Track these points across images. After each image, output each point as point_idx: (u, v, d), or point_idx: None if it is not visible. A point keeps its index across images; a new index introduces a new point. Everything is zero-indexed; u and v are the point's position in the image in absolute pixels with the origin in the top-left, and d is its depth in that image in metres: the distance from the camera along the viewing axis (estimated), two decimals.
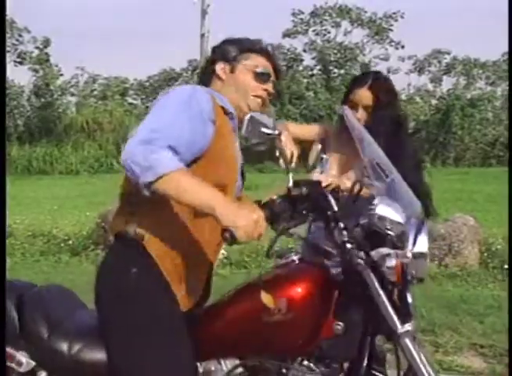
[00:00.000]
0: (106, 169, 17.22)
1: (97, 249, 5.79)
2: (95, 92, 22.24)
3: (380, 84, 2.39)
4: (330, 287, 1.53)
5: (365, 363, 1.53)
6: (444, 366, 3.12)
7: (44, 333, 1.58)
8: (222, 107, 1.70)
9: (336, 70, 21.44)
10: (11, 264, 5.35)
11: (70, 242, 6.07)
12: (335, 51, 21.40)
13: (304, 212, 1.52)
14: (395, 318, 1.46)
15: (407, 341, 1.45)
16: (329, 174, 2.37)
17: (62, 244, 6.06)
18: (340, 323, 1.52)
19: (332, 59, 21.21)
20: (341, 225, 1.51)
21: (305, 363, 1.54)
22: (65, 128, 19.23)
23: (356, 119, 2.16)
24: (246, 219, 1.43)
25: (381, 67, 22.21)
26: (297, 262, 1.61)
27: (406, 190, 1.58)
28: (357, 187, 1.60)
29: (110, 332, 1.58)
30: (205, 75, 1.87)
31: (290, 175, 1.55)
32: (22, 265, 5.48)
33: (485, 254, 5.13)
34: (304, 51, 21.89)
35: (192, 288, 1.64)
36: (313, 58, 21.74)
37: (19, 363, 1.59)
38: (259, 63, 1.83)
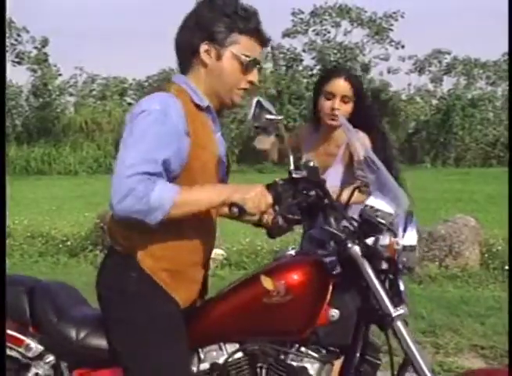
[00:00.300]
0: (105, 170, 17.22)
1: (95, 250, 5.79)
2: (94, 92, 22.24)
3: (356, 77, 2.53)
4: (326, 276, 1.61)
5: (359, 350, 1.60)
6: (444, 368, 3.12)
7: (53, 320, 1.70)
8: (197, 104, 1.65)
9: None
10: (9, 265, 5.35)
11: (69, 243, 6.07)
12: (335, 51, 21.41)
13: (304, 192, 1.58)
14: (388, 302, 1.54)
15: (399, 324, 1.54)
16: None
17: (60, 245, 6.06)
18: (336, 310, 1.59)
19: (332, 59, 21.22)
20: (337, 212, 1.60)
21: (303, 349, 1.62)
22: (63, 129, 19.25)
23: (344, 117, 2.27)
24: (252, 191, 1.53)
25: (381, 67, 22.35)
26: (293, 255, 1.72)
27: (394, 184, 1.63)
28: (347, 193, 1.71)
29: (112, 329, 1.66)
30: (185, 53, 1.70)
31: (291, 159, 1.59)
32: (20, 266, 5.49)
33: (486, 255, 5.13)
34: (304, 51, 21.90)
35: (188, 289, 1.71)
36: (313, 58, 21.76)
37: (29, 348, 1.71)
38: (248, 48, 1.68)
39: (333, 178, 2.35)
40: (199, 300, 1.75)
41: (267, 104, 1.63)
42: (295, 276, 1.59)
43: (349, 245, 1.56)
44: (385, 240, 1.56)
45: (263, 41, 1.71)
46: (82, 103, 21.10)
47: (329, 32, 22.08)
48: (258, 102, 1.61)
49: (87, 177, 15.98)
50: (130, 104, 22.66)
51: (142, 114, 1.56)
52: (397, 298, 1.56)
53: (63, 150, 18.12)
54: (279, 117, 1.63)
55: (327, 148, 2.50)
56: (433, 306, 4.04)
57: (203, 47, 1.66)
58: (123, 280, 1.64)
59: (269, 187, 1.56)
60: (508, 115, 18.31)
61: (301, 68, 21.65)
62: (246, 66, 1.69)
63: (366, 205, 1.56)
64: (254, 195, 1.53)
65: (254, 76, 1.72)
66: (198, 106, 1.66)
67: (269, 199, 1.53)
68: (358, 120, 2.34)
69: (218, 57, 1.67)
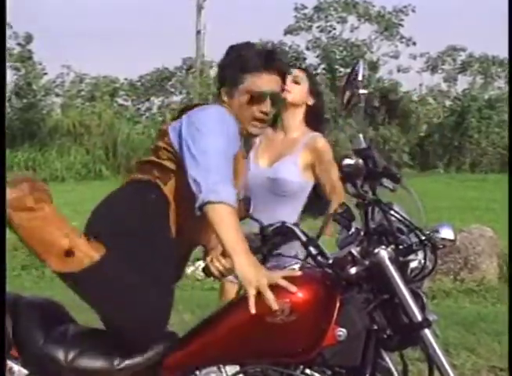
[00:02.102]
0: (94, 176, 17.24)
1: None
2: (83, 93, 22.29)
3: (308, 68, 2.83)
4: (333, 293, 1.63)
5: (368, 372, 1.61)
6: None
7: (39, 340, 1.67)
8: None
9: (342, 70, 21.49)
10: None
11: None
12: (341, 48, 21.48)
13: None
14: (416, 309, 1.59)
15: (427, 331, 1.58)
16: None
17: None
18: (343, 329, 1.60)
19: (337, 57, 21.29)
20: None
21: (308, 371, 1.63)
22: (49, 132, 19.27)
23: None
24: (255, 279, 1.65)
25: (391, 66, 22.34)
26: (297, 269, 1.75)
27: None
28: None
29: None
30: (217, 97, 2.14)
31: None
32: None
33: (504, 268, 5.13)
34: (308, 49, 21.98)
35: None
36: (317, 56, 21.83)
37: (11, 372, 1.67)
38: (255, 83, 2.03)
39: (283, 170, 2.58)
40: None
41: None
42: (300, 294, 1.60)
43: (376, 250, 1.61)
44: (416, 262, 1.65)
45: (276, 71, 2.05)
46: (69, 105, 21.14)
47: (334, 28, 22.17)
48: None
49: (75, 184, 15.99)
50: (121, 105, 22.75)
51: (208, 122, 1.95)
52: (420, 304, 1.62)
53: (48, 155, 18.14)
54: (366, 92, 1.80)
55: (281, 140, 2.68)
56: (447, 323, 4.03)
57: (222, 91, 2.07)
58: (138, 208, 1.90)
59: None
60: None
61: (304, 67, 21.71)
62: (256, 99, 2.03)
63: (390, 212, 1.63)
64: (254, 284, 1.64)
65: (265, 106, 2.04)
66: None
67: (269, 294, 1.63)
68: (313, 110, 2.67)
69: (231, 95, 2.05)
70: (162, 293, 1.82)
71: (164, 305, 1.82)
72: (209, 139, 1.87)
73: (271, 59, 2.06)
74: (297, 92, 2.67)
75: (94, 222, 1.95)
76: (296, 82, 2.68)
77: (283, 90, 2.09)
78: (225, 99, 2.06)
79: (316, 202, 2.70)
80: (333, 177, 2.56)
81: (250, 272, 1.65)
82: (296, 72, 2.71)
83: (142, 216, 1.89)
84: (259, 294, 1.62)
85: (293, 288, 1.60)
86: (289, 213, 2.55)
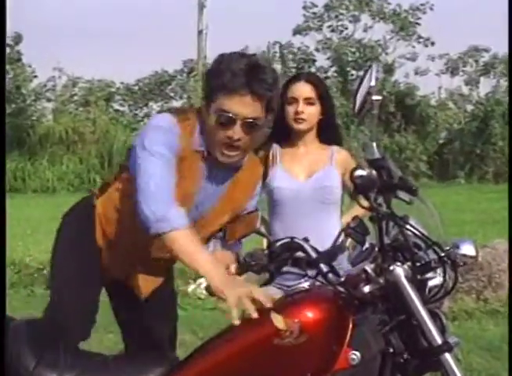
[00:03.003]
0: (89, 186, 17.27)
1: None
2: (76, 98, 22.40)
3: (317, 78, 2.91)
4: (345, 313, 1.63)
5: None
6: None
7: (30, 365, 1.68)
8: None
9: (354, 72, 21.56)
10: None
11: (45, 272, 6.08)
12: (353, 49, 21.56)
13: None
14: (436, 332, 1.59)
15: (448, 356, 1.58)
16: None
17: (35, 275, 6.07)
18: (357, 352, 1.61)
19: (349, 59, 21.36)
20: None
21: None
22: (40, 139, 19.37)
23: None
24: (233, 295, 1.72)
25: (408, 68, 22.37)
26: (307, 288, 1.79)
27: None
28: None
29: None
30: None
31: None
32: None
33: None
34: (317, 50, 22.07)
35: (121, 264, 2.24)
36: (328, 58, 21.91)
37: None
38: (224, 104, 1.97)
39: (327, 179, 2.74)
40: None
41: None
42: (310, 314, 1.61)
43: (391, 267, 1.62)
44: (436, 279, 1.66)
45: (252, 93, 1.96)
46: (62, 110, 21.25)
47: (346, 28, 22.27)
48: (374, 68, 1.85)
49: (67, 195, 16.02)
50: (117, 111, 22.85)
51: (146, 144, 2.07)
52: (440, 327, 1.63)
53: (39, 164, 18.22)
54: (380, 98, 1.83)
55: (304, 153, 2.81)
56: (470, 347, 4.01)
57: (202, 103, 2.08)
58: (80, 224, 2.31)
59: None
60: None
61: (314, 70, 21.76)
62: (221, 121, 1.99)
63: (406, 226, 1.65)
64: (237, 297, 1.70)
65: (233, 132, 1.99)
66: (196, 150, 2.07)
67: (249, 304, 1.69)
68: (328, 125, 2.77)
69: (207, 112, 2.03)
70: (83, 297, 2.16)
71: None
72: (146, 163, 1.99)
73: (251, 78, 1.95)
74: (313, 115, 2.75)
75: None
76: (310, 104, 2.74)
77: (267, 113, 2.03)
78: (204, 114, 2.04)
79: None
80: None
81: (227, 285, 1.75)
82: (306, 91, 2.74)
83: (76, 231, 2.30)
84: (265, 315, 1.63)
85: (268, 304, 1.64)
86: (335, 220, 2.74)
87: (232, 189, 2.17)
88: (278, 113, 2.75)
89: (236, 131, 1.99)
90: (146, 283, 2.26)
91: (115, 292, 2.40)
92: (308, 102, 2.73)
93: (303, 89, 2.75)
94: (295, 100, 2.74)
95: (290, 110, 2.74)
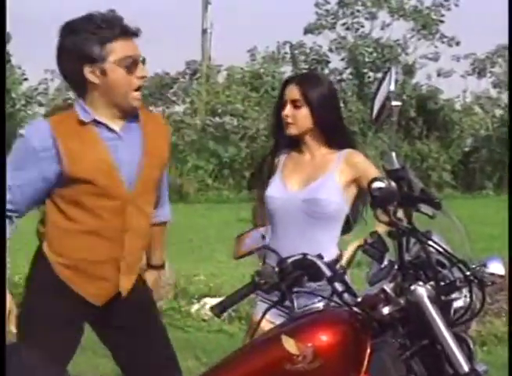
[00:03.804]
0: None
1: None
2: (70, 102, 22.50)
3: (309, 78, 2.94)
4: (363, 337, 1.64)
5: None
6: None
7: None
8: (81, 121, 2.36)
9: (371, 74, 21.57)
10: None
11: None
12: (370, 49, 21.56)
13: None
14: (462, 358, 1.60)
15: None
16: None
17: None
18: None
19: (366, 59, 21.36)
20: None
21: None
22: None
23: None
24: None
25: (430, 69, 22.34)
26: (321, 308, 1.77)
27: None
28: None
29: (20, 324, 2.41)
30: (76, 83, 2.41)
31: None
32: None
33: None
34: (331, 50, 22.08)
35: (97, 287, 2.44)
36: (342, 59, 21.92)
37: None
38: (125, 51, 2.31)
39: (322, 190, 2.71)
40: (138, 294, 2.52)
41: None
42: (325, 337, 1.61)
43: (413, 287, 1.61)
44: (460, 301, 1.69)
45: (132, 35, 2.34)
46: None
47: (362, 26, 22.29)
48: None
49: None
50: None
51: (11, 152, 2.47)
52: (467, 352, 1.64)
53: None
54: (400, 104, 1.86)
55: (308, 161, 2.81)
56: (500, 375, 3.99)
57: (86, 69, 2.31)
58: (32, 268, 2.55)
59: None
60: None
61: (327, 71, 21.81)
62: (130, 67, 2.31)
63: (429, 242, 1.65)
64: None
65: (141, 71, 2.34)
66: (82, 122, 2.37)
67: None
68: (332, 128, 2.76)
69: (103, 73, 2.30)
70: None
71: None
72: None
73: (122, 23, 2.34)
74: (301, 118, 2.75)
75: None
76: (296, 107, 2.76)
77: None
78: (95, 80, 2.32)
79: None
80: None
81: None
82: (293, 93, 2.77)
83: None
84: (276, 338, 1.63)
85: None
86: (328, 238, 2.70)
87: (148, 140, 2.45)
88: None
89: (144, 70, 2.35)
90: (124, 282, 2.48)
91: (94, 320, 2.57)
92: (295, 105, 2.76)
93: (291, 91, 2.79)
94: (285, 103, 2.81)
95: (281, 114, 2.81)
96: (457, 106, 22.37)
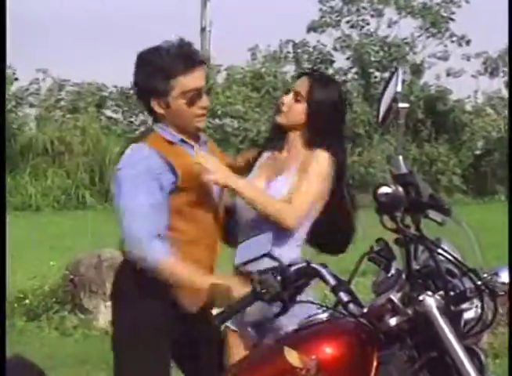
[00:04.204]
0: (77, 204, 17.36)
1: (63, 311, 5.82)
2: (62, 103, 22.55)
3: (324, 78, 2.98)
4: (369, 349, 1.65)
5: None
6: None
7: None
8: (170, 141, 2.61)
9: (377, 74, 21.61)
10: None
11: (27, 301, 6.10)
12: (376, 48, 21.60)
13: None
14: (472, 370, 1.59)
15: None
16: None
17: (15, 305, 6.10)
18: None
19: (372, 59, 21.39)
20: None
21: None
22: (21, 150, 19.47)
23: None
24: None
25: (439, 69, 22.37)
26: (325, 319, 1.77)
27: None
28: None
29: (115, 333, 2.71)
30: (148, 111, 2.68)
31: None
32: None
33: None
34: (336, 49, 22.12)
35: (193, 293, 2.49)
36: (347, 58, 21.96)
37: None
38: (188, 85, 2.56)
39: (275, 189, 2.72)
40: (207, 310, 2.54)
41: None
42: (329, 350, 1.62)
43: (421, 297, 1.60)
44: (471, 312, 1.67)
45: (197, 65, 2.59)
46: (46, 117, 21.38)
47: (368, 23, 22.34)
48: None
49: (52, 214, 16.10)
50: (110, 119, 22.98)
51: (120, 175, 2.62)
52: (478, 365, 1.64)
53: (20, 179, 18.30)
54: (407, 105, 1.87)
55: (284, 158, 2.82)
56: None
57: (153, 102, 2.59)
58: (127, 287, 2.61)
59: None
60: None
61: (331, 71, 21.83)
62: (193, 99, 2.57)
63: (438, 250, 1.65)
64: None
65: (204, 101, 2.62)
66: (171, 143, 2.63)
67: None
68: (314, 131, 2.75)
69: (167, 105, 2.58)
70: None
71: None
72: (122, 200, 2.54)
73: (188, 55, 2.58)
74: (294, 111, 2.77)
75: None
76: (297, 100, 2.77)
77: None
78: (161, 111, 2.60)
79: (334, 237, 2.81)
80: (301, 187, 2.68)
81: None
82: (301, 86, 2.79)
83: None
84: (278, 351, 1.63)
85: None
86: (285, 240, 2.66)
87: (215, 155, 2.73)
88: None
89: (206, 99, 2.63)
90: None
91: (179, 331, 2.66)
92: (297, 98, 2.77)
93: (299, 83, 2.82)
94: (290, 91, 2.83)
95: (281, 99, 2.84)
96: (468, 107, 22.39)
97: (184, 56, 2.57)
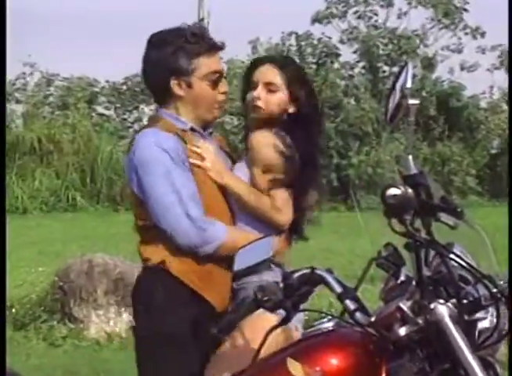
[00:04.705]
0: (66, 206, 17.36)
1: (51, 320, 5.83)
2: (51, 99, 22.56)
3: (286, 60, 2.94)
4: (377, 360, 1.67)
5: None
6: None
7: None
8: (184, 130, 2.68)
9: (386, 68, 21.60)
10: None
11: (13, 310, 6.11)
12: (385, 41, 21.60)
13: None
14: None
15: None
16: None
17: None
18: None
19: (381, 52, 21.39)
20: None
21: None
22: (8, 149, 19.49)
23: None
24: None
25: (452, 62, 22.36)
26: (331, 329, 1.80)
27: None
28: None
29: (137, 343, 2.68)
30: (160, 93, 2.74)
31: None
32: None
33: None
34: (342, 41, 22.11)
35: (221, 291, 2.65)
36: (354, 51, 21.95)
37: None
38: (211, 66, 2.66)
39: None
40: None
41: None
42: (334, 361, 1.63)
43: (433, 305, 1.61)
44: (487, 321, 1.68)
45: (217, 49, 2.70)
46: (34, 114, 21.38)
47: (376, 14, 22.33)
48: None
49: (41, 217, 16.10)
50: (101, 115, 22.98)
51: (147, 160, 2.64)
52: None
53: (8, 179, 18.30)
54: (418, 102, 1.88)
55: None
56: None
57: (173, 82, 2.65)
58: (150, 294, 2.62)
59: None
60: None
61: (337, 66, 21.83)
62: (215, 82, 2.67)
63: (450, 255, 1.67)
64: None
65: (223, 87, 2.72)
66: (183, 130, 2.68)
67: None
68: (303, 122, 2.74)
69: (189, 86, 2.64)
70: None
71: None
72: (153, 193, 2.57)
73: (210, 38, 2.68)
74: (273, 104, 2.76)
75: None
76: (271, 91, 2.76)
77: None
78: (180, 92, 2.65)
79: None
80: (257, 178, 2.73)
81: None
82: (269, 76, 2.78)
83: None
84: (281, 362, 1.63)
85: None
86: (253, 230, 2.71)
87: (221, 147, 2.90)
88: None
89: (225, 85, 2.73)
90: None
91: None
92: (269, 89, 2.75)
93: (265, 72, 2.79)
94: (256, 85, 2.80)
95: (249, 96, 2.81)
96: (483, 104, 22.36)
97: (208, 38, 2.65)
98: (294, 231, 2.85)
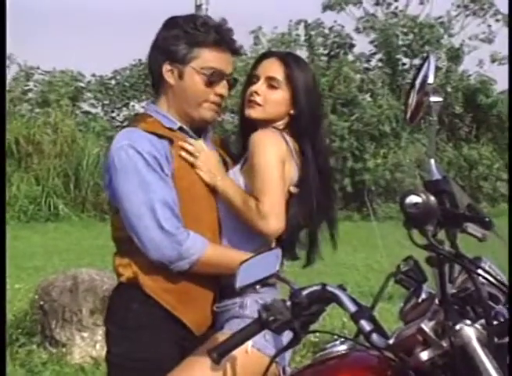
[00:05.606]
0: (47, 215, 17.37)
1: (30, 344, 5.82)
2: (31, 95, 22.62)
3: (294, 57, 2.91)
4: None
5: None
6: None
7: None
8: (169, 128, 2.67)
9: (406, 61, 21.62)
10: None
11: None
12: (405, 30, 21.62)
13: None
14: None
15: None
16: None
17: None
18: None
19: (400, 42, 21.41)
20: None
21: None
22: None
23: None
24: None
25: (481, 54, 22.36)
26: (344, 352, 1.79)
27: None
28: None
29: (111, 366, 2.66)
30: (154, 79, 2.74)
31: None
32: None
33: None
34: (358, 30, 22.15)
35: (199, 312, 2.65)
36: (371, 42, 21.98)
37: None
38: (210, 60, 2.63)
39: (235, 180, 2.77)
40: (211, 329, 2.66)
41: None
42: None
43: (458, 326, 1.63)
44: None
45: (229, 50, 2.68)
46: (11, 112, 21.44)
47: (396, 0, 22.37)
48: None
49: (18, 227, 16.12)
50: (87, 113, 23.03)
51: (118, 163, 2.60)
52: None
53: None
54: (441, 99, 1.89)
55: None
56: None
57: (166, 67, 2.64)
58: (124, 313, 2.64)
59: None
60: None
61: (351, 57, 21.86)
62: (211, 79, 2.64)
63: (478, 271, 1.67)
64: None
65: (221, 88, 2.67)
66: (171, 129, 2.68)
67: None
68: (302, 123, 2.74)
69: (180, 75, 2.64)
70: None
71: None
72: (124, 202, 2.57)
73: (223, 34, 2.65)
74: (274, 101, 2.75)
75: None
76: (272, 87, 2.76)
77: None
78: (170, 80, 2.65)
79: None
80: (257, 185, 2.67)
81: None
82: (272, 69, 2.77)
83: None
84: None
85: None
86: (241, 236, 2.71)
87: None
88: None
89: (225, 88, 2.70)
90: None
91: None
92: (271, 84, 2.75)
93: (268, 66, 2.78)
94: (257, 79, 2.79)
95: (249, 90, 2.80)
96: None
97: (219, 32, 2.63)
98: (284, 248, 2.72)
